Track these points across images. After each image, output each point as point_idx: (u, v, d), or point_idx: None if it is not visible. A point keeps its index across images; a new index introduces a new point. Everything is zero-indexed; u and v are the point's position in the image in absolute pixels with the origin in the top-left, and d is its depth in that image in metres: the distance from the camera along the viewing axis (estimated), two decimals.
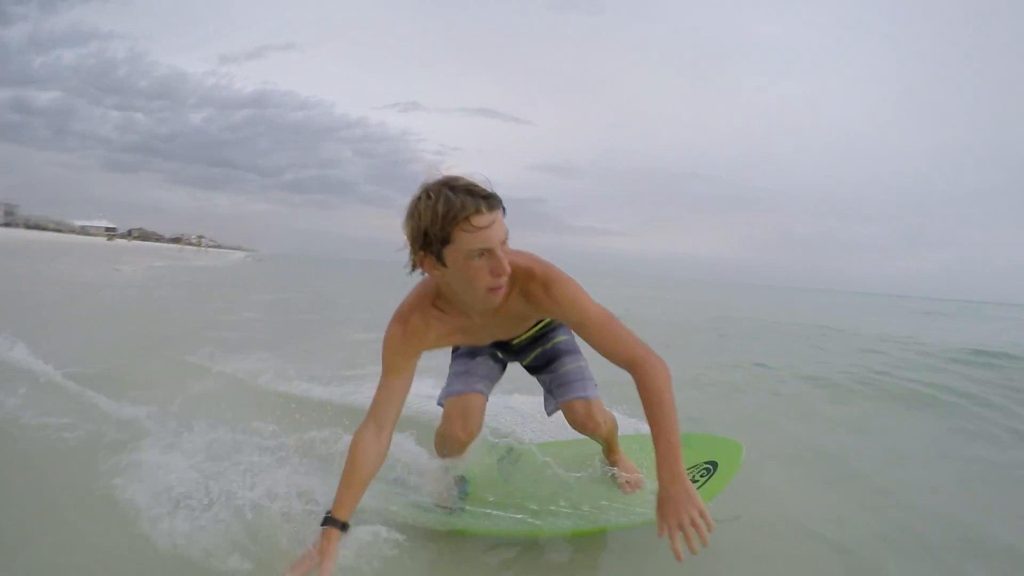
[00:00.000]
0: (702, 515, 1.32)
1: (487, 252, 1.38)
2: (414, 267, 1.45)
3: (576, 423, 1.96)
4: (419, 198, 1.38)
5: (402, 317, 1.61)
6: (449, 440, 1.93)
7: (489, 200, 1.36)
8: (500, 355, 2.05)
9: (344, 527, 1.51)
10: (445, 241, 1.36)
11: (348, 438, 1.67)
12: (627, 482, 2.08)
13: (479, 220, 1.34)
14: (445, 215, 1.33)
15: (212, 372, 4.05)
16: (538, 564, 1.86)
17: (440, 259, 1.40)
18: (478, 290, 1.44)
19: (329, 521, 1.49)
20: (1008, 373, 6.15)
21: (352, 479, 1.54)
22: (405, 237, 1.42)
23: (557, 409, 2.02)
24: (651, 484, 2.04)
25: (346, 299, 13.32)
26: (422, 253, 1.41)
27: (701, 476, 2.16)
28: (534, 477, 2.04)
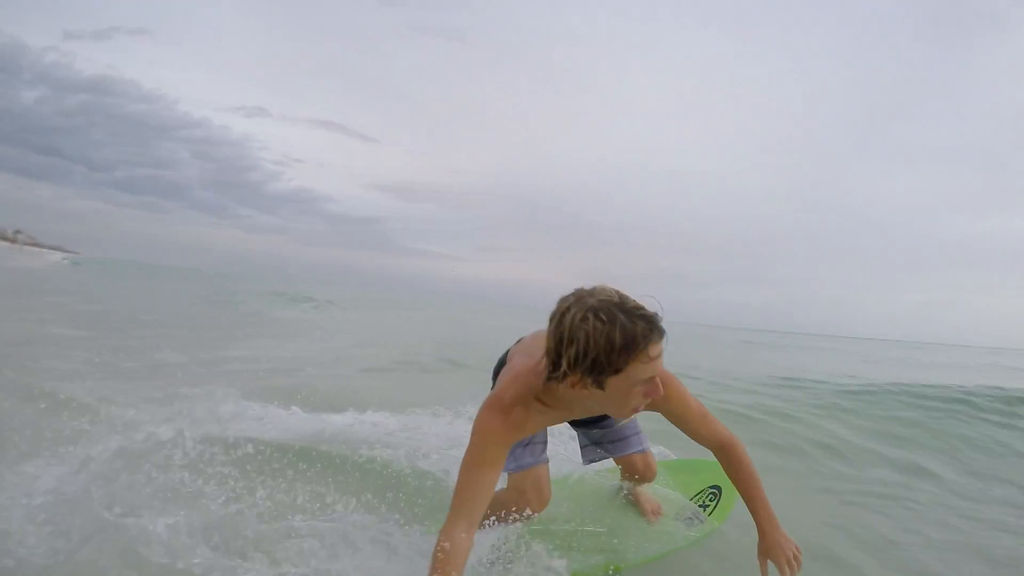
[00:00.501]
0: (797, 551, 1.63)
1: (651, 379, 1.34)
2: (560, 380, 1.36)
3: (636, 473, 2.12)
4: (586, 318, 1.28)
5: (504, 409, 1.49)
6: (521, 512, 1.84)
7: (661, 326, 1.31)
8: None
9: None
10: (617, 371, 1.29)
11: None
12: (652, 511, 2.21)
13: (655, 350, 1.30)
14: (624, 346, 1.26)
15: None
16: None
17: (600, 384, 1.32)
18: (624, 409, 1.44)
19: None
20: (814, 393, 6.93)
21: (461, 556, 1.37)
22: (559, 351, 1.32)
23: (600, 459, 2.15)
24: (671, 510, 2.26)
25: (165, 314, 11.83)
26: (579, 375, 1.32)
27: (710, 500, 2.42)
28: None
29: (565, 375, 1.34)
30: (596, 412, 1.58)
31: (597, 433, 2.10)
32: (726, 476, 2.12)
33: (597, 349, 1.27)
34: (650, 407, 1.57)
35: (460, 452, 1.50)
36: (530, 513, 1.86)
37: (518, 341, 1.96)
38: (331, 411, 3.37)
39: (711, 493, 2.48)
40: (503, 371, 1.73)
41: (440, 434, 3.02)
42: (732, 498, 2.39)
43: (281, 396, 3.45)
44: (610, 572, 1.92)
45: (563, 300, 1.35)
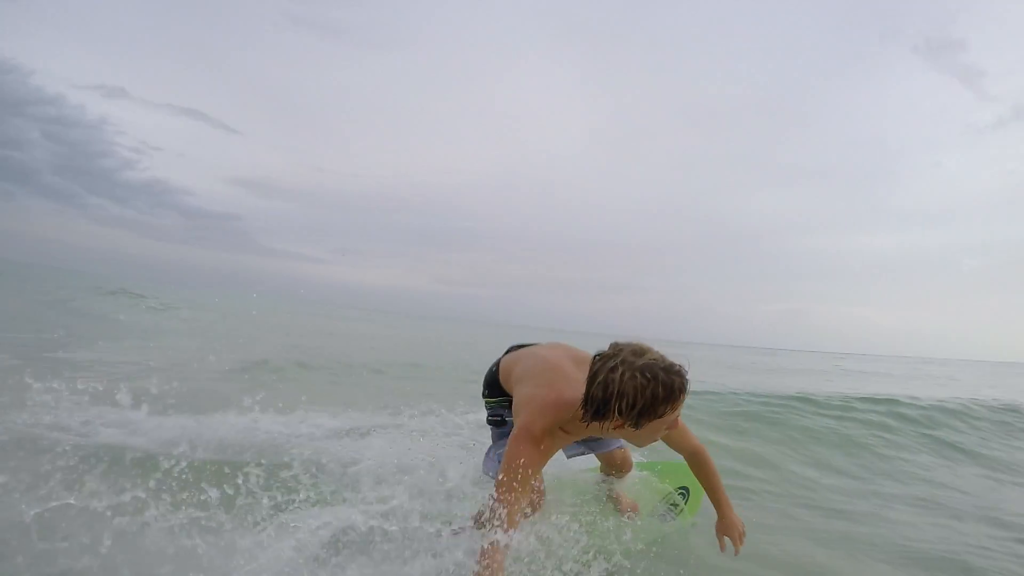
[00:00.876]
0: (743, 529, 2.24)
1: (676, 419, 1.74)
2: (602, 421, 1.68)
3: (615, 466, 2.62)
4: (634, 376, 1.59)
5: (536, 440, 1.79)
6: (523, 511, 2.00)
7: (688, 380, 1.65)
8: None
9: None
10: (653, 417, 1.64)
11: None
12: (629, 509, 2.59)
13: (683, 399, 1.67)
14: (664, 399, 1.61)
15: None
16: None
17: (638, 426, 1.66)
18: (648, 441, 1.83)
19: None
20: None
21: (501, 570, 1.62)
22: (607, 402, 1.62)
23: (581, 455, 2.51)
24: (645, 508, 2.68)
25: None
26: (623, 420, 1.65)
27: (680, 498, 2.84)
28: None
29: (609, 418, 1.66)
30: (613, 437, 1.91)
31: (592, 444, 2.47)
32: (693, 477, 2.47)
33: (644, 402, 1.61)
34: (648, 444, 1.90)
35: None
36: (530, 512, 2.09)
37: (508, 351, 2.32)
38: (180, 413, 3.43)
39: (680, 493, 2.89)
40: (525, 399, 1.92)
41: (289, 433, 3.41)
42: (699, 498, 2.84)
43: (121, 399, 3.36)
44: (590, 555, 2.13)
45: (608, 357, 1.66)
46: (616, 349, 1.66)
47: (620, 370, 1.60)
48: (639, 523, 2.52)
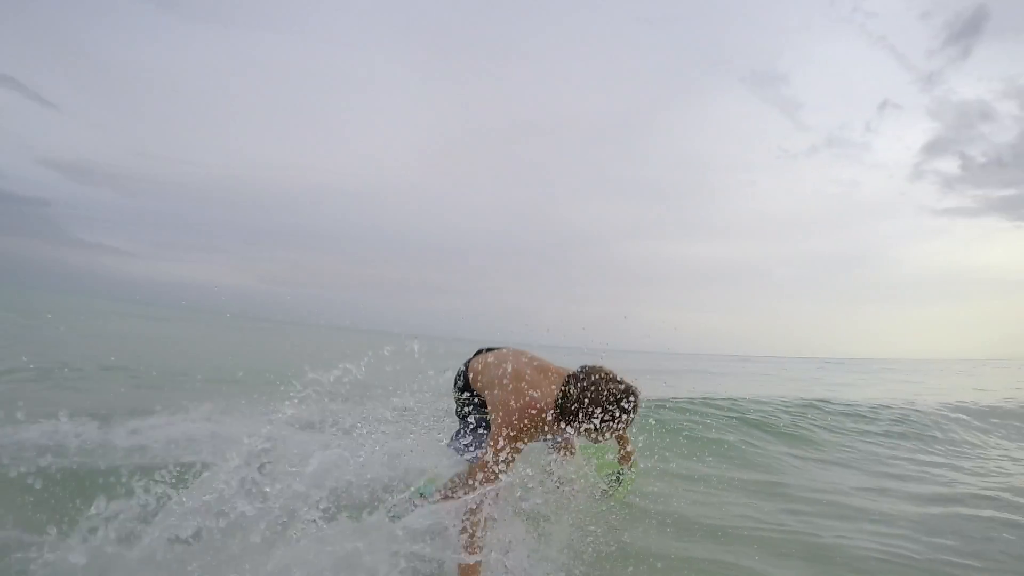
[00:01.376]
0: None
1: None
2: (571, 425, 2.18)
3: (563, 448, 2.93)
4: (600, 392, 2.13)
5: (518, 433, 2.26)
6: (484, 484, 2.26)
7: (641, 400, 2.19)
8: None
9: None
10: (613, 425, 2.15)
11: None
12: (563, 449, 2.93)
13: (637, 414, 2.19)
14: (624, 412, 2.13)
15: None
16: None
17: (601, 431, 2.16)
18: (603, 441, 2.35)
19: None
20: None
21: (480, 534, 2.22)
22: (576, 413, 2.14)
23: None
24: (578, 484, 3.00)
25: None
26: (592, 430, 2.16)
27: (613, 481, 3.10)
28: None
29: (576, 423, 2.15)
30: (578, 436, 2.30)
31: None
32: (626, 467, 3.06)
33: (609, 414, 2.10)
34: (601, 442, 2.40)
35: None
36: (491, 487, 2.29)
37: (476, 353, 2.72)
38: None
39: (616, 475, 3.24)
40: (502, 403, 2.32)
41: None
42: (628, 485, 3.20)
43: None
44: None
45: (582, 377, 2.17)
46: (588, 371, 2.20)
47: (592, 389, 2.13)
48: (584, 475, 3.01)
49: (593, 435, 2.18)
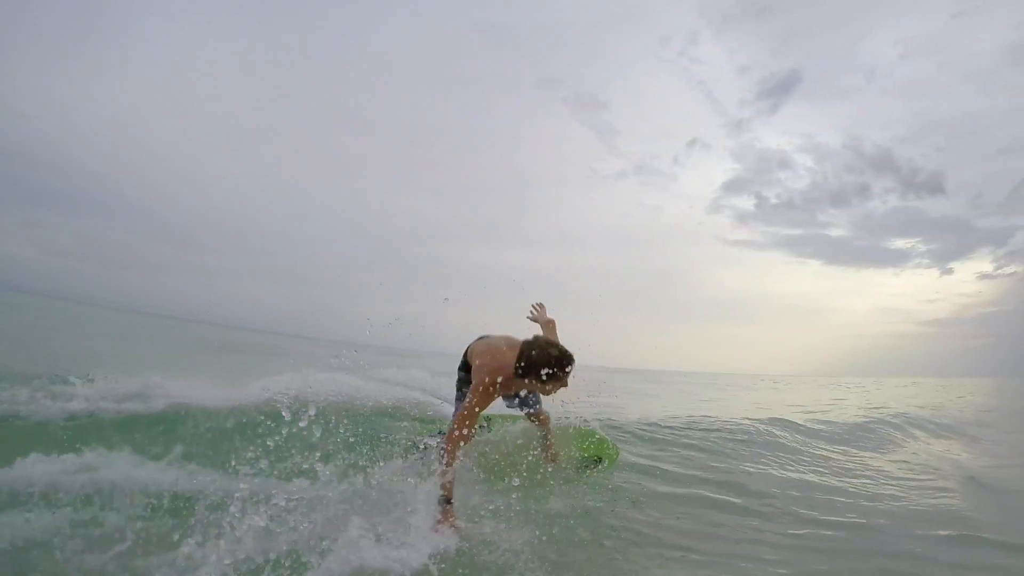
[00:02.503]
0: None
1: (565, 382, 3.17)
2: (522, 378, 3.12)
3: (539, 420, 3.94)
4: (543, 352, 3.10)
5: (484, 389, 3.15)
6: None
7: (573, 359, 3.15)
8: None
9: (448, 500, 2.87)
10: (554, 379, 3.10)
11: None
12: (551, 458, 3.89)
13: (570, 370, 3.15)
14: (561, 367, 3.10)
15: None
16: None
17: (545, 383, 3.11)
18: (546, 392, 3.23)
19: (448, 501, 2.85)
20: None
21: (452, 471, 2.91)
22: (527, 368, 3.08)
23: (522, 410, 3.87)
24: (562, 463, 3.95)
25: None
26: (534, 379, 3.10)
27: (592, 464, 4.06)
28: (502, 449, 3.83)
29: (528, 377, 3.10)
30: (527, 390, 3.34)
31: (524, 407, 3.84)
32: (608, 450, 4.25)
33: (549, 368, 3.07)
34: (556, 391, 3.24)
35: None
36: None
37: (480, 339, 3.65)
38: None
39: (595, 460, 4.09)
40: (477, 368, 3.31)
41: None
42: (610, 467, 4.12)
43: None
44: (506, 479, 3.44)
45: (532, 342, 3.15)
46: (534, 339, 3.18)
47: (537, 349, 3.11)
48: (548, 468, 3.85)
49: (541, 387, 3.14)
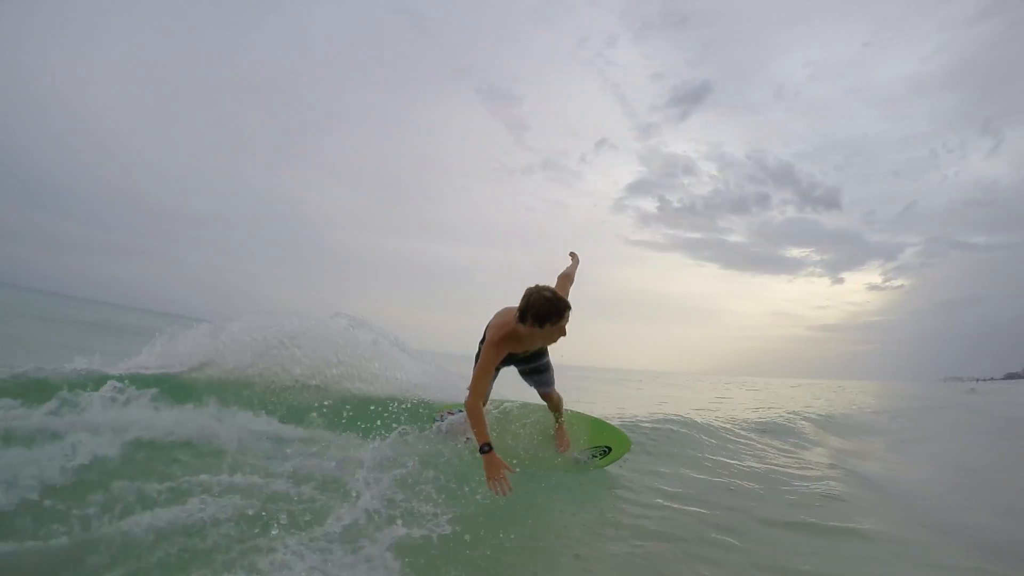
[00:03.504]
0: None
1: (563, 329, 3.34)
2: (523, 323, 3.26)
3: (552, 404, 4.19)
4: (541, 296, 3.23)
5: (494, 345, 3.46)
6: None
7: (569, 305, 3.32)
8: (506, 364, 3.84)
9: (491, 447, 3.10)
10: (549, 322, 3.23)
11: None
12: (562, 444, 4.20)
13: (567, 316, 3.30)
14: (558, 312, 3.24)
15: None
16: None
17: (542, 327, 3.24)
18: (548, 341, 3.51)
19: (489, 447, 3.07)
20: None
21: (484, 425, 3.19)
22: (526, 311, 3.22)
23: (533, 386, 4.09)
24: (573, 449, 4.18)
25: None
26: (531, 322, 3.23)
27: (601, 454, 4.14)
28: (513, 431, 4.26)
29: (526, 321, 3.23)
30: (537, 344, 3.57)
31: (535, 378, 4.01)
32: (620, 441, 4.28)
33: (545, 311, 3.20)
34: (556, 340, 3.44)
35: None
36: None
37: (495, 315, 3.74)
38: None
39: (604, 449, 4.14)
40: (497, 321, 3.61)
41: None
42: (617, 457, 4.13)
43: None
44: (514, 463, 3.25)
45: (530, 291, 3.24)
46: (535, 285, 3.26)
47: (535, 294, 3.21)
48: (559, 455, 4.14)
49: (539, 333, 3.25)
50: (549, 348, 3.94)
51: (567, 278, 3.93)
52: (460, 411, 4.34)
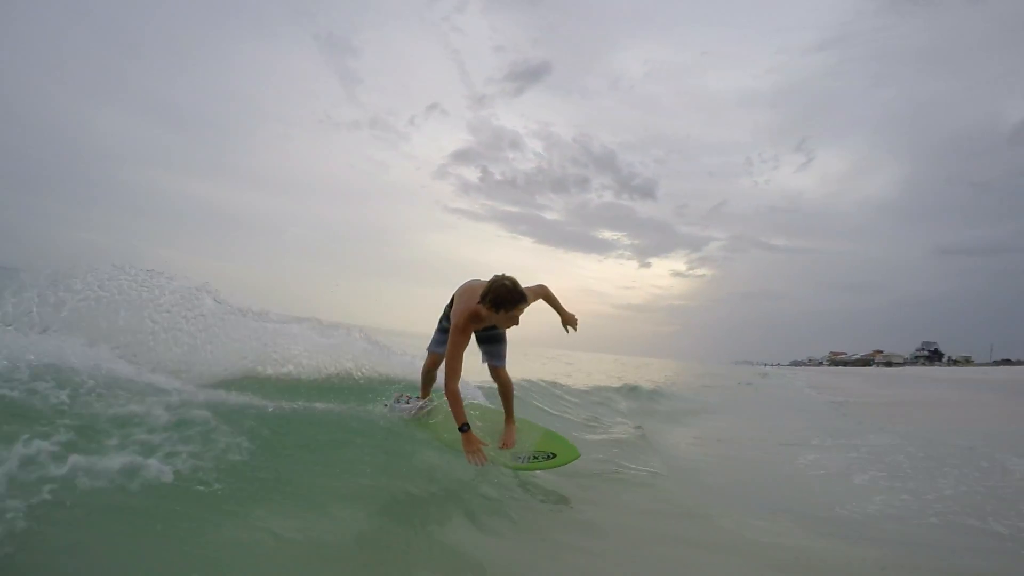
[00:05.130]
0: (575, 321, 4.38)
1: (516, 316, 3.70)
2: (485, 306, 3.64)
3: (499, 379, 4.23)
4: (501, 284, 3.60)
5: (461, 329, 3.74)
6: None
7: (525, 295, 3.67)
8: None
9: (468, 427, 3.72)
10: (504, 307, 3.61)
11: None
12: (506, 443, 4.10)
13: (522, 305, 3.67)
14: (511, 300, 3.60)
15: None
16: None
17: (497, 311, 3.61)
18: (504, 324, 3.85)
19: (467, 427, 3.71)
20: None
21: (461, 406, 3.72)
22: (486, 295, 3.61)
23: (487, 361, 4.24)
24: (516, 449, 4.07)
25: None
26: (489, 305, 3.61)
27: (544, 459, 3.99)
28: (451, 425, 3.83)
29: (484, 302, 3.60)
30: (491, 323, 3.79)
31: (489, 348, 4.19)
32: (567, 449, 4.10)
33: (503, 298, 3.57)
34: (509, 327, 3.88)
35: None
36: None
37: (466, 282, 4.05)
38: None
39: (548, 455, 4.05)
40: (464, 298, 3.85)
41: None
42: (562, 463, 3.98)
43: None
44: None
45: (495, 278, 3.63)
46: (502, 275, 3.64)
47: (498, 283, 3.59)
48: (498, 451, 4.01)
49: (496, 317, 3.64)
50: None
51: (550, 298, 4.17)
52: (416, 398, 4.75)
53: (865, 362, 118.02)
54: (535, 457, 3.97)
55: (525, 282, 3.74)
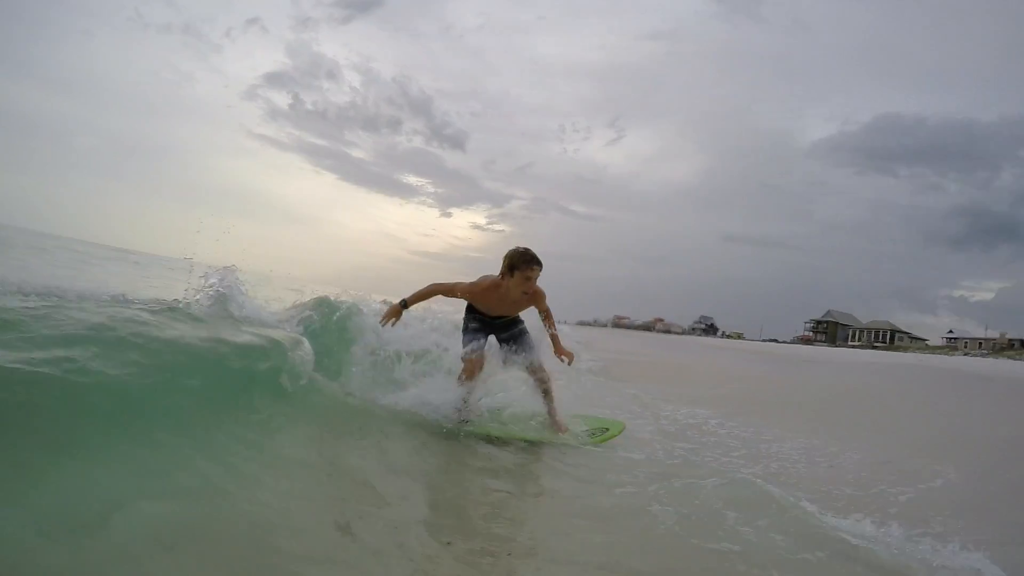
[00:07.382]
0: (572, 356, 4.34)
1: (530, 281, 3.82)
2: (503, 274, 3.84)
3: (534, 372, 4.16)
4: (515, 250, 3.82)
5: (470, 287, 4.00)
6: (463, 379, 4.01)
7: (540, 260, 3.82)
8: (488, 333, 4.13)
9: (405, 306, 4.01)
10: (517, 270, 3.77)
11: None
12: (559, 428, 4.12)
13: (535, 270, 3.81)
14: (522, 261, 3.78)
15: None
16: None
17: (512, 274, 3.78)
18: (518, 291, 3.84)
19: (405, 304, 4.00)
20: None
21: (421, 300, 4.05)
22: (504, 261, 3.82)
23: (512, 359, 4.16)
24: (575, 432, 4.18)
25: None
26: (505, 269, 3.80)
27: (600, 433, 4.26)
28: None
29: (504, 269, 3.82)
30: (512, 296, 3.89)
31: (513, 346, 4.16)
32: (615, 424, 4.43)
33: (519, 258, 3.78)
34: (529, 301, 4.01)
35: None
36: (466, 379, 3.95)
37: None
38: None
39: (603, 430, 4.31)
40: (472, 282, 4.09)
41: None
42: (613, 435, 4.21)
43: None
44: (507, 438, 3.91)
45: (513, 248, 3.84)
46: (517, 247, 3.82)
47: (513, 249, 3.80)
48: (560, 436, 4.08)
49: (510, 281, 3.78)
50: (524, 320, 4.24)
51: (547, 313, 4.16)
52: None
53: (647, 328, 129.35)
54: (593, 434, 4.26)
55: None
